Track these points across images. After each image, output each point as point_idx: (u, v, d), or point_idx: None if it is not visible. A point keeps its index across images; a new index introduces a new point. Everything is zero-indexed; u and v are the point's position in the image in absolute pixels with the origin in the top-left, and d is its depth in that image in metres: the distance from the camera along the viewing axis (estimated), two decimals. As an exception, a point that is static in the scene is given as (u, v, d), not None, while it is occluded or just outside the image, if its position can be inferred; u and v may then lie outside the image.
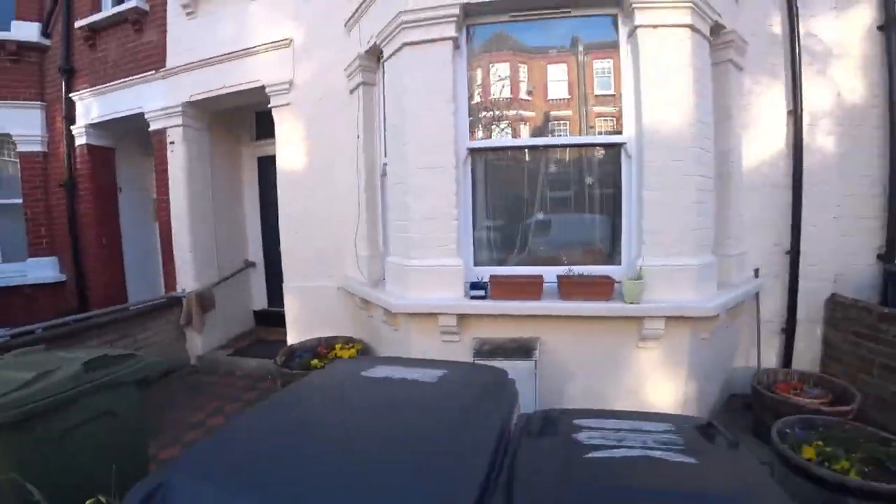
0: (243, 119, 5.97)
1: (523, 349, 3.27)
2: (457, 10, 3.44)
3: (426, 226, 3.57)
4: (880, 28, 4.32)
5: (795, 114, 4.18)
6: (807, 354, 4.36)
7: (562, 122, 3.79)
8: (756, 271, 4.27)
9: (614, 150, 3.54)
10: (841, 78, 4.30)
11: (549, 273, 3.50)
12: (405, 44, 3.59)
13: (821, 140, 4.27)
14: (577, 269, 3.45)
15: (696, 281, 3.29)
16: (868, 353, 3.86)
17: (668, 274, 3.29)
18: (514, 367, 3.08)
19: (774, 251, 4.28)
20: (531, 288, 3.36)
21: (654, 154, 3.31)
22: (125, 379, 2.88)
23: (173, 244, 5.53)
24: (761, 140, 4.26)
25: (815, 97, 4.27)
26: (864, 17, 4.32)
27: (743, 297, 3.86)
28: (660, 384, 3.44)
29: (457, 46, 3.62)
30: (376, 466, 1.16)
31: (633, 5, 3.30)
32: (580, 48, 3.70)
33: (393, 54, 3.76)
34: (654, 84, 3.31)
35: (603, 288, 3.28)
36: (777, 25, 4.26)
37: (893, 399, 3.62)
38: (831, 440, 2.82)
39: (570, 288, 3.32)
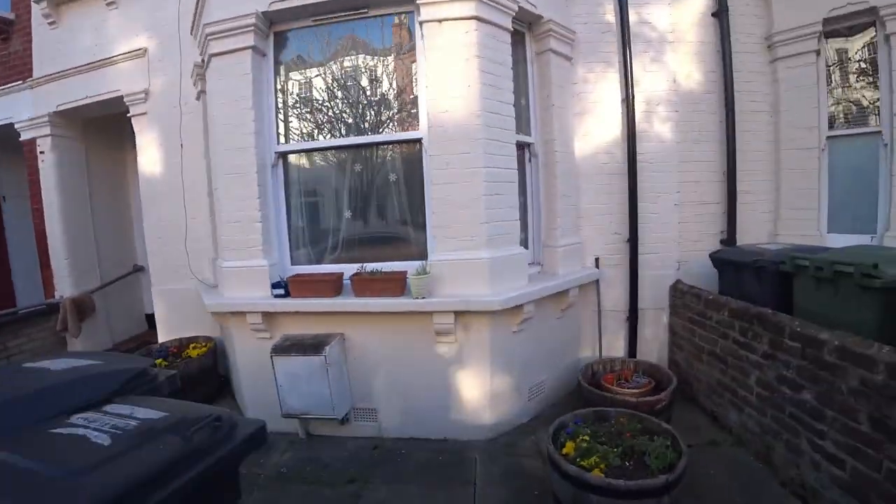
0: (124, 125, 6.06)
1: (317, 345, 3.39)
2: (253, 20, 3.58)
3: (234, 229, 3.72)
4: (714, 15, 4.48)
5: (628, 101, 4.28)
6: (654, 342, 4.48)
7: (371, 120, 3.89)
8: (596, 261, 4.35)
9: (416, 146, 3.63)
10: (676, 65, 4.43)
11: (352, 270, 3.60)
12: (212, 55, 3.74)
13: (658, 127, 4.38)
14: (372, 266, 3.57)
15: (488, 274, 3.40)
16: (699, 339, 3.99)
17: (459, 268, 3.41)
18: (306, 363, 3.22)
19: (615, 240, 4.41)
20: (326, 286, 3.48)
21: (439, 148, 3.43)
22: None
23: (49, 251, 5.66)
24: (597, 128, 4.40)
25: (651, 84, 4.39)
26: (698, 4, 4.49)
27: (565, 287, 3.97)
28: (465, 377, 3.56)
29: (263, 54, 3.76)
30: None
31: (419, 1, 3.39)
32: (384, 47, 3.81)
33: (208, 64, 3.88)
34: (439, 77, 3.44)
35: (393, 284, 3.39)
36: (610, 14, 4.39)
37: (718, 385, 3.71)
38: (603, 433, 2.91)
39: (361, 285, 3.43)
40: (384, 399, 3.67)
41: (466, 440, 3.59)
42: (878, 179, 4.20)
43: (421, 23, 3.46)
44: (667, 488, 2.42)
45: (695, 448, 3.41)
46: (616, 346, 4.48)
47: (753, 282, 3.65)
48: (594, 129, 4.37)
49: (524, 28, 4.12)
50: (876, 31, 4.16)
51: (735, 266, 3.84)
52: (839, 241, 4.24)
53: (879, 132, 4.17)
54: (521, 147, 4.10)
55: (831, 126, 4.46)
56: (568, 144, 4.24)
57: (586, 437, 2.82)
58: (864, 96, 4.37)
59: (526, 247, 4.15)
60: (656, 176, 4.37)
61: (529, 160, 4.15)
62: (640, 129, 4.34)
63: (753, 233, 4.54)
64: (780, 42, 4.49)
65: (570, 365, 4.28)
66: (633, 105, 4.31)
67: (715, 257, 4.04)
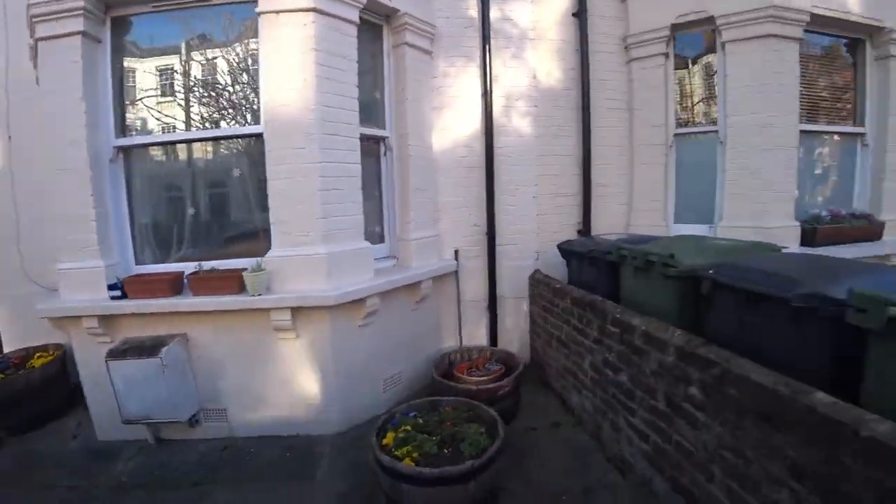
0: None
1: (154, 347, 3.41)
2: (83, 3, 3.48)
3: (68, 228, 3.64)
4: (575, 15, 4.74)
5: (487, 96, 4.49)
6: (516, 330, 4.76)
7: (215, 114, 3.92)
8: (456, 252, 4.57)
9: (258, 140, 3.69)
10: (537, 61, 4.68)
11: (193, 269, 3.64)
12: (38, 39, 3.63)
13: (517, 121, 4.62)
14: (210, 264, 3.62)
15: (326, 270, 3.52)
16: (550, 326, 4.27)
17: (298, 264, 3.52)
18: (143, 366, 3.25)
19: (474, 232, 4.64)
20: (163, 286, 3.52)
21: (277, 143, 3.51)
22: None
23: None
24: (456, 122, 4.60)
25: (512, 80, 4.63)
26: (560, 3, 4.77)
27: (416, 280, 4.17)
28: (311, 372, 3.69)
29: (98, 40, 3.69)
30: None
31: (257, -9, 3.45)
32: (227, 38, 3.84)
33: (36, 49, 3.76)
34: (276, 71, 3.52)
35: (230, 282, 3.47)
36: (473, 10, 4.58)
37: (563, 370, 4.01)
38: (433, 423, 3.09)
39: (198, 284, 3.49)
40: (233, 398, 3.74)
41: (318, 435, 3.73)
42: (715, 174, 4.64)
43: (259, 14, 3.51)
44: (473, 473, 2.61)
45: (538, 430, 3.74)
46: (478, 335, 4.75)
47: (591, 271, 3.97)
48: (453, 123, 4.58)
49: (381, 21, 4.25)
50: (715, 40, 4.59)
51: (577, 257, 4.16)
52: (684, 230, 4.69)
53: (717, 131, 4.61)
54: (377, 141, 4.26)
55: (678, 124, 4.88)
56: (424, 138, 4.41)
57: (408, 427, 3.01)
58: (704, 98, 4.81)
59: (382, 240, 4.32)
60: (515, 169, 4.63)
61: (385, 154, 4.30)
62: (500, 124, 4.58)
63: (610, 223, 4.91)
64: (635, 44, 4.87)
65: (430, 355, 4.46)
66: (493, 100, 4.54)
67: (561, 248, 4.36)
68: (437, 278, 4.43)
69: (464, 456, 2.73)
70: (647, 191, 4.85)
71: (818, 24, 4.60)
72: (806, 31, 4.49)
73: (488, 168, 4.48)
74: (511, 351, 4.37)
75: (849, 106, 5.18)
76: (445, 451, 2.84)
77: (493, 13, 4.57)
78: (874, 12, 4.83)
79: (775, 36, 4.32)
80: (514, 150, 4.60)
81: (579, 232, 4.77)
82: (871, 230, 4.93)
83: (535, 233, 4.68)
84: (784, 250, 3.26)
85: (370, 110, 4.14)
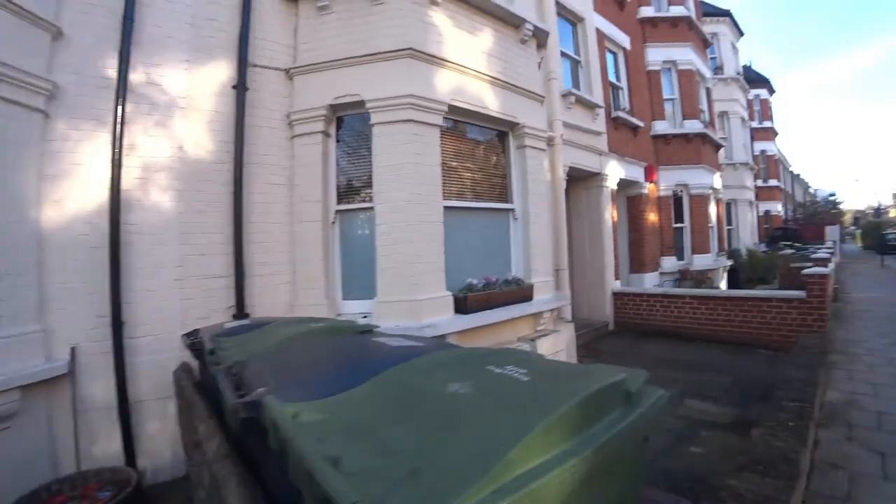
0: None
1: None
2: None
3: None
4: (234, 87, 4.71)
5: (117, 166, 4.14)
6: (165, 437, 4.26)
7: None
8: (73, 351, 3.96)
9: None
10: (187, 132, 4.51)
11: None
12: None
13: (157, 196, 4.34)
14: None
15: None
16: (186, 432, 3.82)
17: None
18: None
19: (101, 324, 4.08)
20: None
21: None
22: None
23: None
24: (77, 194, 4.06)
25: (153, 149, 4.38)
26: (220, 74, 4.70)
27: None
28: None
29: None
30: None
31: None
32: None
33: None
34: None
35: None
36: (112, 69, 4.22)
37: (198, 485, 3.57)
38: None
39: None
40: None
41: None
42: (375, 251, 4.95)
43: None
44: None
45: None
46: (112, 451, 4.05)
47: (205, 367, 3.70)
48: (74, 194, 4.00)
49: (-34, 71, 3.65)
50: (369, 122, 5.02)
51: (193, 351, 3.86)
52: (353, 306, 4.87)
53: (374, 208, 4.97)
54: (-51, 218, 3.55)
55: (341, 201, 5.17)
56: (19, 213, 3.63)
57: None
58: (364, 176, 5.20)
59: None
60: (155, 249, 4.29)
61: (-40, 234, 3.60)
62: (134, 198, 4.22)
63: (274, 303, 4.86)
64: (298, 121, 5.08)
65: (37, 493, 3.62)
66: (125, 171, 4.19)
67: (184, 341, 3.94)
68: (42, 386, 3.71)
69: None
70: (311, 268, 4.95)
71: (461, 114, 5.41)
72: (454, 119, 5.24)
73: (113, 249, 4.04)
74: (130, 469, 3.81)
75: (502, 185, 6.15)
76: None
77: (137, 76, 4.31)
78: (510, 110, 5.90)
79: (416, 122, 4.91)
80: (152, 227, 4.27)
81: (234, 316, 4.59)
82: (521, 293, 5.79)
83: (180, 321, 4.32)
84: (384, 327, 3.49)
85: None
